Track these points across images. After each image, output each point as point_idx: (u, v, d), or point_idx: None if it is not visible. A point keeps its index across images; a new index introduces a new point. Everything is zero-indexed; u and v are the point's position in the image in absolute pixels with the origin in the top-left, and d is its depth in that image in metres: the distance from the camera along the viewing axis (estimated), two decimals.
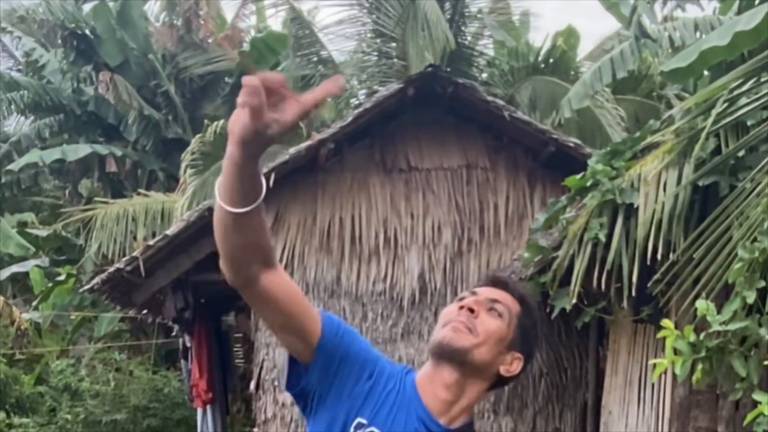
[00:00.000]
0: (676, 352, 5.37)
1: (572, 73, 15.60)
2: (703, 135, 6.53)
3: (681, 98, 14.74)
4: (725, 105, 6.54)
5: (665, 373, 7.21)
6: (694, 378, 5.39)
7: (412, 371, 2.41)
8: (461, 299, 2.39)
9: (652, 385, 7.49)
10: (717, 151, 6.97)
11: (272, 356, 9.85)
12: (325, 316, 2.30)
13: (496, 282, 2.44)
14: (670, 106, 14.37)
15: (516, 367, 2.38)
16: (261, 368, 9.89)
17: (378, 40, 16.60)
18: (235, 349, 14.27)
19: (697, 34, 12.73)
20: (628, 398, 7.77)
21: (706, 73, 13.01)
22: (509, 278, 2.59)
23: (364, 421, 2.28)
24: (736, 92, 6.60)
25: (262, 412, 9.84)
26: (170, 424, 14.22)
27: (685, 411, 7.07)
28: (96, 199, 17.05)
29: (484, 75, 16.70)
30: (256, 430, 10.00)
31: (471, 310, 2.33)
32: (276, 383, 9.78)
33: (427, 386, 2.34)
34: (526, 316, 2.42)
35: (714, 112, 6.48)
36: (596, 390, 8.80)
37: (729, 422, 6.86)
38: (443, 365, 2.33)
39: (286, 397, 9.72)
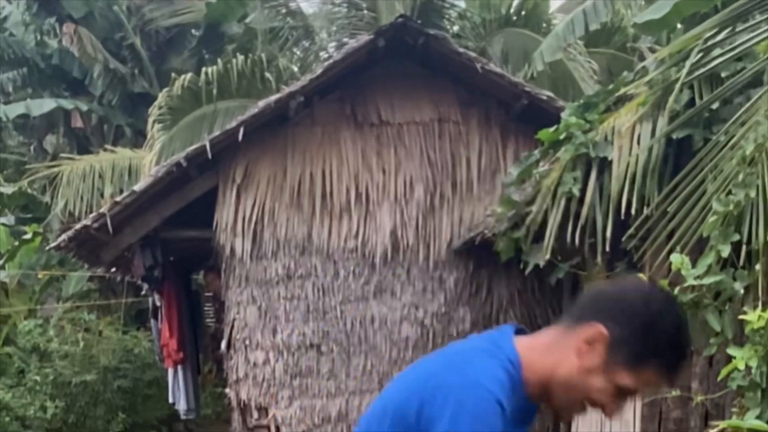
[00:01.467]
0: None
1: (544, 25, 15.49)
2: (678, 86, 6.43)
3: (654, 51, 14.62)
4: (699, 56, 6.43)
5: None
6: None
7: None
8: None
9: None
10: (691, 103, 6.87)
11: (243, 315, 9.76)
12: None
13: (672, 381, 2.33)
14: (643, 59, 14.21)
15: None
16: (232, 327, 9.79)
17: None
18: (205, 308, 14.18)
19: None
20: None
21: (679, 25, 12.94)
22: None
23: None
24: (710, 42, 6.48)
25: (233, 371, 9.76)
26: (141, 385, 14.11)
27: None
28: (62, 155, 16.79)
29: (456, 27, 16.53)
30: (227, 390, 9.93)
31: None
32: (247, 342, 9.69)
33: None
34: None
35: (688, 63, 6.38)
36: None
37: (703, 378, 6.81)
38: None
39: (258, 357, 9.67)
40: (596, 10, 12.83)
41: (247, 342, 9.71)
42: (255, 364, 9.69)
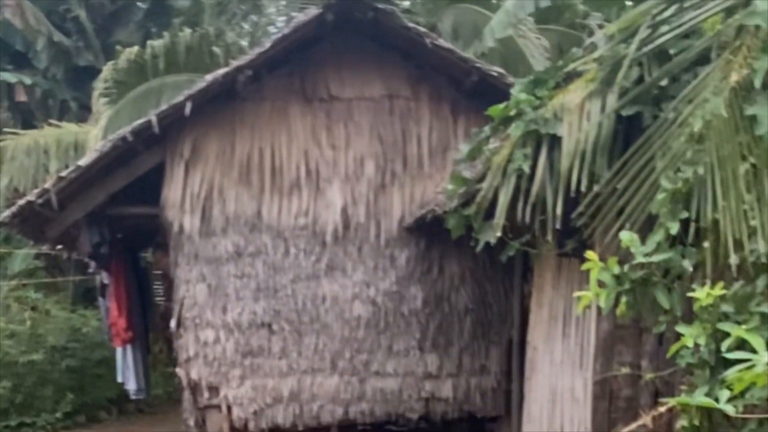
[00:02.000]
0: (600, 284, 5.31)
1: (494, 1, 15.42)
2: (626, 62, 6.43)
3: (603, 28, 14.66)
4: (648, 32, 6.43)
5: (590, 308, 7.21)
6: (618, 311, 5.32)
7: None
8: None
9: (577, 320, 7.46)
10: (640, 80, 6.87)
11: (193, 293, 9.66)
12: None
13: None
14: (593, 36, 14.26)
15: None
16: (181, 306, 9.69)
17: None
18: (154, 286, 14.03)
19: None
20: (552, 334, 7.75)
21: (629, 2, 13.00)
22: None
23: None
24: (658, 18, 6.48)
25: (183, 350, 9.67)
26: (90, 365, 13.99)
27: (610, 346, 7.05)
28: (5, 130, 16.50)
29: (406, 2, 16.45)
30: (178, 369, 9.83)
31: None
32: (197, 321, 9.60)
33: None
34: None
35: (637, 39, 6.38)
36: (521, 326, 8.78)
37: (653, 357, 6.86)
38: None
39: (208, 335, 9.58)
40: None
41: (197, 321, 9.62)
42: (205, 343, 9.61)
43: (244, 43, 16.82)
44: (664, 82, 6.75)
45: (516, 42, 13.68)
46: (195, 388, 9.64)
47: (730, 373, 3.97)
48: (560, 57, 13.66)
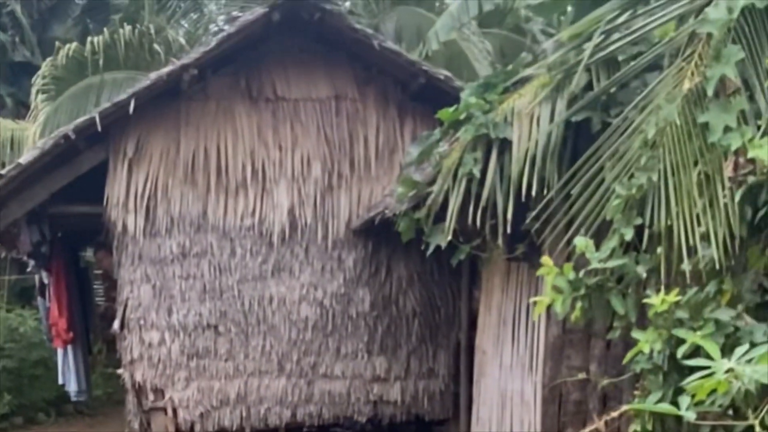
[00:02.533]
0: (556, 289, 5.34)
1: (437, 4, 15.49)
2: (580, 68, 6.48)
3: (546, 33, 14.80)
4: (601, 38, 6.49)
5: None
6: (573, 316, 5.35)
7: None
8: None
9: (526, 324, 7.50)
10: (589, 86, 6.93)
11: (137, 294, 9.53)
12: None
13: None
14: (535, 41, 14.40)
15: None
16: (125, 307, 9.55)
17: None
18: (95, 286, 13.82)
19: None
20: (502, 337, 7.78)
21: (569, 9, 13.10)
22: None
23: None
24: (611, 25, 6.54)
25: (127, 352, 9.54)
26: (27, 365, 13.75)
27: (559, 350, 7.10)
28: None
29: (347, 4, 16.41)
30: (121, 370, 9.69)
31: None
32: (141, 322, 9.47)
33: None
34: None
35: (591, 44, 6.43)
36: (469, 330, 8.81)
37: (601, 361, 6.92)
38: None
39: (153, 337, 9.47)
40: None
41: (142, 322, 9.50)
42: (150, 344, 9.49)
43: (183, 41, 16.63)
44: (612, 89, 6.83)
45: (459, 45, 13.74)
46: (140, 390, 9.52)
47: (692, 380, 4.00)
48: (503, 61, 13.81)
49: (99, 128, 9.19)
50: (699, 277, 5.31)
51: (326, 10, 9.75)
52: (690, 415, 3.94)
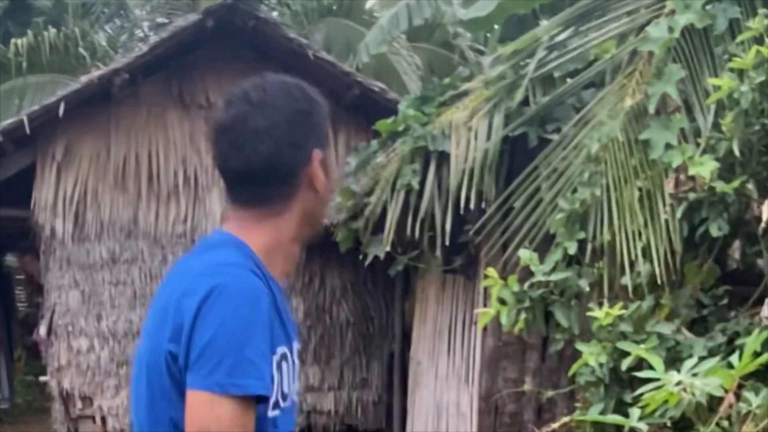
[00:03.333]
0: (501, 301, 5.40)
1: (365, 17, 15.53)
2: (524, 83, 6.57)
3: (474, 49, 14.95)
4: (544, 54, 6.59)
5: (475, 323, 7.32)
6: (516, 328, 5.41)
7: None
8: None
9: (462, 335, 7.55)
10: (525, 101, 7.03)
11: (65, 300, 9.35)
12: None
13: None
14: (463, 56, 14.54)
15: None
16: (53, 312, 9.37)
17: None
18: (17, 291, 13.54)
19: None
20: (437, 348, 7.81)
21: (495, 26, 13.26)
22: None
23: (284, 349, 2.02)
24: (553, 42, 6.66)
25: (55, 359, 9.33)
26: None
27: (495, 362, 7.16)
28: None
29: (275, 14, 16.37)
30: (45, 378, 9.50)
31: None
32: (69, 329, 9.30)
33: (278, 273, 2.10)
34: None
35: (534, 61, 6.53)
36: (402, 341, 8.83)
37: (536, 373, 7.00)
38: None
39: (82, 344, 9.29)
40: (419, 4, 12.98)
41: (70, 328, 9.31)
42: (78, 351, 9.31)
43: (105, 44, 16.40)
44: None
45: (389, 59, 13.80)
46: (67, 397, 9.32)
47: (645, 392, 4.07)
48: (431, 75, 13.90)
49: (27, 131, 9.01)
50: (640, 292, 5.41)
51: (260, 18, 9.72)
52: (642, 427, 4.01)
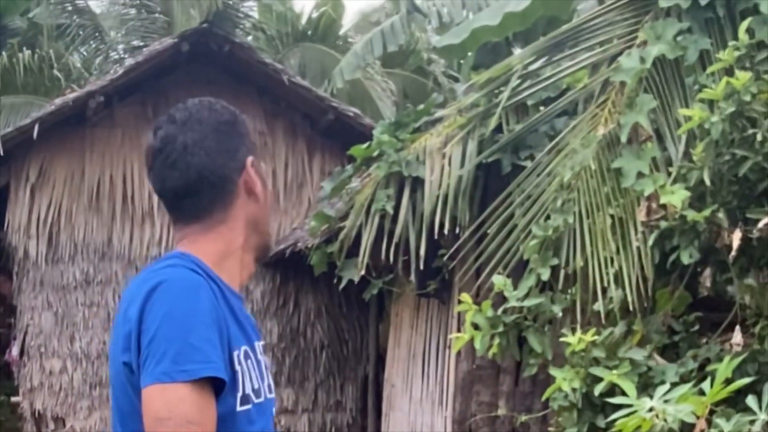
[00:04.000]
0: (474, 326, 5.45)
1: (340, 43, 15.63)
2: (498, 111, 6.64)
3: (447, 75, 15.09)
4: (518, 82, 6.67)
5: (449, 347, 7.37)
6: (490, 352, 5.46)
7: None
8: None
9: (436, 359, 7.60)
10: (498, 129, 7.11)
11: (37, 321, 9.36)
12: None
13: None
14: (437, 82, 14.67)
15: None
16: (25, 333, 9.36)
17: None
18: None
19: (464, 11, 13.09)
20: (411, 372, 7.86)
21: (469, 53, 13.39)
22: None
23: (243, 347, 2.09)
24: (527, 70, 6.74)
25: (26, 380, 9.32)
26: None
27: (468, 385, 7.21)
28: None
29: (250, 38, 16.43)
30: (17, 398, 9.46)
31: None
32: (42, 349, 9.28)
33: (231, 280, 2.16)
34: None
35: (508, 89, 6.60)
36: (376, 363, 8.87)
37: (509, 397, 7.05)
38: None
39: (54, 365, 9.28)
40: (394, 31, 13.09)
41: (42, 349, 9.31)
42: (51, 372, 9.31)
43: (79, 65, 16.39)
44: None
45: (363, 84, 13.90)
46: (39, 418, 9.32)
47: (617, 418, 4.13)
48: (405, 101, 14.01)
49: (1, 152, 9.02)
50: (612, 317, 5.48)
51: (235, 43, 9.82)
52: None
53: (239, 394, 2.03)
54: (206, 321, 1.97)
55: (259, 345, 2.16)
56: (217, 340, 1.97)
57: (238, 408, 2.02)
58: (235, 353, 2.04)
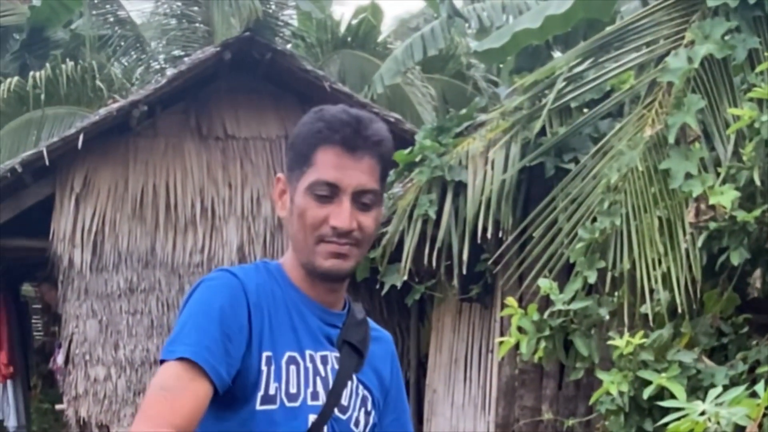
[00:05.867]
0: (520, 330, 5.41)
1: (379, 49, 15.63)
2: (543, 114, 6.60)
3: (487, 80, 15.04)
4: (563, 84, 6.62)
5: (492, 352, 7.33)
6: (536, 356, 5.42)
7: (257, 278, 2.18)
8: (323, 198, 2.12)
9: (479, 364, 7.56)
10: (542, 132, 7.08)
11: (82, 329, 9.38)
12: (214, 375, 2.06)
13: (351, 147, 2.13)
14: (476, 87, 14.61)
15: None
16: (70, 341, 9.40)
17: (179, 3, 16.16)
18: (33, 320, 13.58)
19: (504, 15, 13.03)
20: (453, 377, 7.82)
21: (509, 57, 13.32)
22: (360, 129, 2.15)
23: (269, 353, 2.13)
24: (572, 73, 6.69)
25: (72, 387, 9.34)
26: None
27: (511, 390, 7.17)
28: None
29: (289, 46, 16.48)
30: (61, 406, 9.51)
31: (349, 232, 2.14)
32: (87, 357, 9.33)
33: (309, 289, 2.20)
34: (387, 167, 2.22)
35: (554, 91, 6.55)
36: (417, 369, 8.83)
37: (552, 401, 7.00)
38: (330, 284, 2.22)
39: (99, 372, 9.32)
40: (434, 35, 13.05)
41: (87, 357, 9.34)
42: (96, 380, 9.32)
43: (120, 75, 16.52)
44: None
45: (403, 89, 13.88)
46: (84, 426, 9.34)
47: (670, 421, 4.07)
48: (445, 106, 13.98)
49: (46, 162, 9.09)
50: (659, 320, 5.42)
51: (277, 51, 9.82)
52: None
53: (260, 393, 2.10)
54: (211, 315, 2.06)
55: (317, 354, 2.18)
56: (217, 333, 2.04)
57: (258, 407, 2.09)
58: (265, 354, 2.10)
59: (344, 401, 2.20)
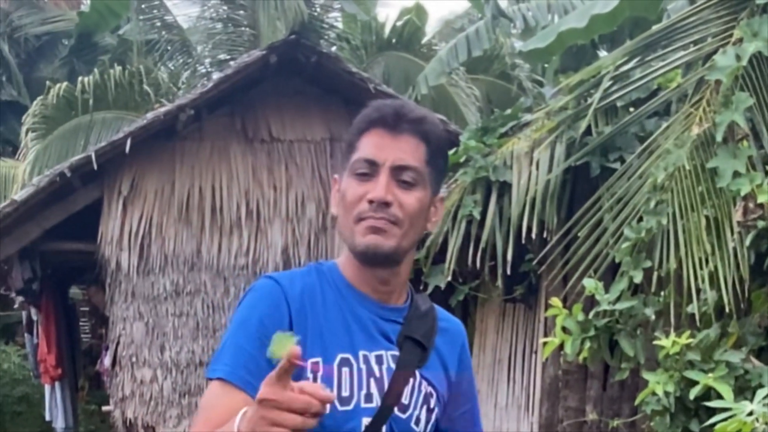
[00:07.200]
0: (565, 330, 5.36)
1: (424, 50, 15.62)
2: (590, 114, 6.55)
3: (532, 80, 14.97)
4: (610, 84, 6.56)
5: (535, 352, 7.29)
6: (581, 356, 5.37)
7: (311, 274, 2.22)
8: (362, 176, 2.12)
9: (522, 365, 7.52)
10: (587, 131, 7.03)
11: (129, 331, 9.48)
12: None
13: (391, 126, 2.14)
14: (521, 87, 14.56)
15: (440, 211, 2.26)
16: (117, 343, 9.50)
17: (225, 7, 16.25)
18: (81, 323, 13.75)
19: (549, 16, 12.95)
20: (497, 377, 7.78)
21: (554, 57, 13.25)
22: (401, 109, 2.17)
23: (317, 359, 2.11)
24: (619, 71, 6.63)
25: (119, 389, 9.45)
26: (10, 402, 13.59)
27: (555, 391, 7.13)
28: None
29: (334, 48, 16.52)
30: (108, 407, 9.60)
31: (385, 203, 2.10)
32: (134, 359, 9.41)
33: (362, 284, 2.18)
34: (435, 150, 2.18)
35: (600, 91, 6.50)
36: None
37: (597, 402, 6.94)
38: (375, 268, 2.16)
39: (145, 374, 9.40)
40: (479, 36, 13.01)
41: (134, 359, 9.43)
42: (142, 381, 9.42)
43: (166, 80, 16.66)
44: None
45: (447, 90, 13.86)
46: (131, 427, 9.44)
47: (717, 422, 4.02)
48: (490, 106, 13.93)
49: (95, 166, 9.19)
50: (706, 320, 5.35)
51: (322, 54, 9.85)
52: None
53: None
54: (249, 330, 2.09)
55: (371, 354, 2.16)
56: (255, 349, 2.04)
57: None
58: (310, 362, 2.04)
59: (405, 399, 2.17)
